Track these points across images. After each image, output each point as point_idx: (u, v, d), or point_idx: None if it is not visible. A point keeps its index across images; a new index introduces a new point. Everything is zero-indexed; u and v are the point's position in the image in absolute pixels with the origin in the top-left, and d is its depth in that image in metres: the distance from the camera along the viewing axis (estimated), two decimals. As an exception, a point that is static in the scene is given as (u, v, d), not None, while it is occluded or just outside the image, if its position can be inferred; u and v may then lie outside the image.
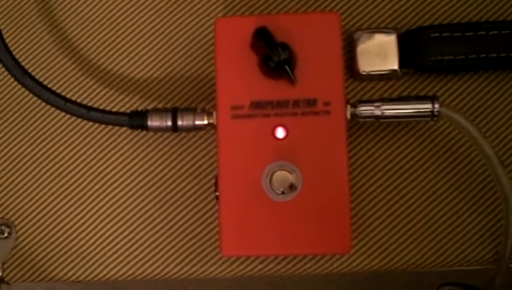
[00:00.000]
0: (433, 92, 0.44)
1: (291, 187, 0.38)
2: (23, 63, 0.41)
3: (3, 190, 0.46)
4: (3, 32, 0.41)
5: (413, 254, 0.43)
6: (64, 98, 0.41)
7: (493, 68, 0.44)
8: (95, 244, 0.45)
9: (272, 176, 0.38)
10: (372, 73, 0.44)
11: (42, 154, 0.46)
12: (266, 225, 0.38)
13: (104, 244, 0.45)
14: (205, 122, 0.40)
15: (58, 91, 0.42)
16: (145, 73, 0.46)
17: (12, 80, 0.42)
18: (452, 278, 0.45)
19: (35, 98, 0.42)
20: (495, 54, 0.43)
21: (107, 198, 0.45)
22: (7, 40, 0.42)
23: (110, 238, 0.45)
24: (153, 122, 0.41)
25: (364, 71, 0.44)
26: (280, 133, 0.39)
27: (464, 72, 0.44)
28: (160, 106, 0.45)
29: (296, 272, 0.44)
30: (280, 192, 0.38)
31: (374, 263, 0.43)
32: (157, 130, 0.41)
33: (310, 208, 0.38)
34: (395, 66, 0.43)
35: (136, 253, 0.45)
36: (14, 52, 0.41)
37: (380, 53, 0.44)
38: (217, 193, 0.39)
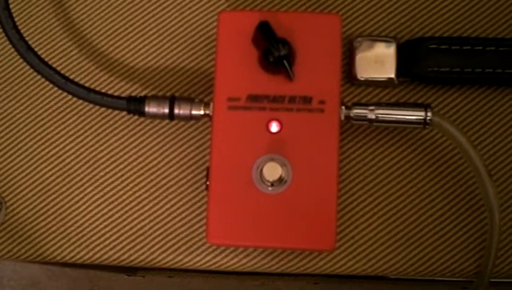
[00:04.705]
0: (427, 102, 0.45)
1: (281, 180, 0.38)
2: (29, 41, 0.42)
3: (-3, 166, 0.47)
4: (12, 10, 0.42)
5: (397, 260, 0.44)
6: (65, 77, 0.41)
7: (488, 83, 0.45)
8: (83, 227, 0.45)
9: (262, 167, 0.38)
10: (369, 79, 0.45)
11: (39, 133, 0.46)
12: (253, 216, 0.39)
13: (92, 227, 0.45)
14: (202, 112, 0.41)
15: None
16: (146, 62, 0.47)
17: (15, 55, 0.42)
18: (434, 289, 0.45)
19: (36, 75, 0.43)
20: (491, 70, 0.43)
21: (99, 181, 0.46)
22: (16, 19, 0.42)
23: (98, 221, 0.45)
24: (150, 108, 0.41)
25: (361, 77, 0.44)
26: (274, 127, 0.39)
27: (460, 85, 0.45)
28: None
29: (279, 269, 0.44)
30: (269, 184, 0.38)
31: (357, 267, 0.44)
32: (153, 116, 0.42)
33: (297, 202, 0.38)
34: (392, 75, 0.44)
35: (123, 238, 0.45)
36: (20, 30, 0.42)
37: (378, 60, 0.44)
38: (208, 183, 0.40)
